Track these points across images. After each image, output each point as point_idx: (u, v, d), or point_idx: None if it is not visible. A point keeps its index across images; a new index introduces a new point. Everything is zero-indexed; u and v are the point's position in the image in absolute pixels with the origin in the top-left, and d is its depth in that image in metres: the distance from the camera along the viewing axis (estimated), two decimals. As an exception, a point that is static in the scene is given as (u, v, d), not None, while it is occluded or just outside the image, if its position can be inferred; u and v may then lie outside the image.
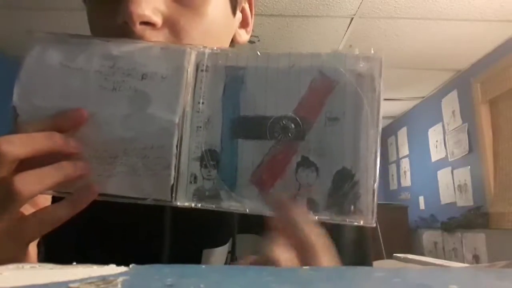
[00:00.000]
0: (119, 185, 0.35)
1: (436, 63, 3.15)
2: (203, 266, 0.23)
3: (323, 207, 0.33)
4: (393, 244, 3.45)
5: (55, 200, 0.36)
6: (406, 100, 4.04)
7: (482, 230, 2.92)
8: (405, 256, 2.71)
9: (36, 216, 0.33)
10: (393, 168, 4.83)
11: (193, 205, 0.36)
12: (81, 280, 0.18)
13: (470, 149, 3.18)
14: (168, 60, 0.36)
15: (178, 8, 0.41)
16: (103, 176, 0.35)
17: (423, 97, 3.95)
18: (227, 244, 0.44)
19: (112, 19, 0.39)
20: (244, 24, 0.52)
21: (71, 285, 0.17)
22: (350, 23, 2.55)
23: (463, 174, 3.28)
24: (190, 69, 0.36)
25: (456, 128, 3.38)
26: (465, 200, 3.24)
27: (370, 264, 0.51)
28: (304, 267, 0.22)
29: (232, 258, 0.43)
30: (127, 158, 0.35)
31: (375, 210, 0.32)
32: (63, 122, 0.34)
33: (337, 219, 0.33)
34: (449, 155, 3.50)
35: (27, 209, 0.33)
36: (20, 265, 0.22)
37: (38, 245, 0.42)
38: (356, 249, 0.48)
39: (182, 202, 0.36)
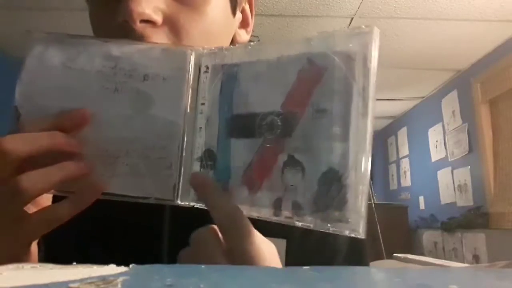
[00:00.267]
0: (121, 184, 0.35)
1: (436, 63, 3.15)
2: (203, 266, 0.23)
3: (308, 212, 0.30)
4: (393, 244, 3.44)
5: (55, 201, 0.36)
6: (406, 100, 4.04)
7: (482, 230, 2.91)
8: (405, 256, 2.71)
9: (38, 215, 0.33)
10: (393, 168, 4.83)
11: (193, 204, 0.36)
12: (81, 280, 0.18)
13: (470, 149, 3.18)
14: (169, 62, 0.37)
15: (178, 7, 0.41)
16: (105, 176, 0.35)
17: (423, 97, 3.95)
18: None
19: (113, 18, 0.39)
20: (244, 24, 0.52)
21: (71, 285, 0.17)
22: (350, 23, 2.55)
23: (463, 174, 3.28)
24: (191, 70, 0.37)
25: (456, 128, 3.38)
26: (465, 200, 3.24)
27: (367, 264, 0.51)
28: (304, 267, 0.22)
29: None
30: (129, 158, 0.35)
31: (365, 218, 0.28)
32: (66, 122, 0.35)
33: (322, 226, 0.29)
34: (449, 155, 3.50)
35: (30, 209, 0.33)
36: (20, 265, 0.22)
37: (38, 244, 0.42)
38: (351, 249, 0.48)
39: (184, 201, 0.36)
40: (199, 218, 0.34)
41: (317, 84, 0.31)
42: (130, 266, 0.21)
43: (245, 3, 0.52)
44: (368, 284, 0.21)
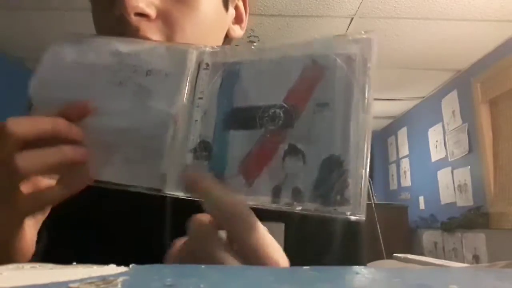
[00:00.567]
0: (114, 172, 0.36)
1: (436, 63, 3.15)
2: (203, 266, 0.23)
3: (308, 197, 0.31)
4: (393, 244, 3.45)
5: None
6: (406, 100, 4.04)
7: (482, 230, 2.92)
8: (405, 256, 2.71)
9: (30, 194, 0.34)
10: (393, 168, 4.83)
11: (181, 195, 0.36)
12: (81, 280, 0.18)
13: (470, 149, 3.18)
14: (172, 59, 0.39)
15: (171, 2, 0.44)
16: (99, 163, 0.36)
17: (423, 97, 3.95)
18: None
19: (111, 12, 0.42)
20: (238, 20, 0.55)
21: (71, 285, 0.17)
22: (350, 23, 2.55)
23: (463, 174, 3.28)
24: (192, 67, 0.38)
25: (456, 128, 3.38)
26: (465, 200, 3.24)
27: (364, 259, 0.51)
28: (304, 267, 0.22)
29: None
30: (125, 147, 0.37)
31: (365, 201, 0.29)
32: (70, 111, 0.36)
33: (322, 210, 0.30)
34: (449, 155, 3.50)
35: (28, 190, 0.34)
36: (20, 265, 0.22)
37: (37, 243, 0.42)
38: (348, 233, 0.48)
39: (171, 191, 0.36)
40: (199, 212, 0.33)
41: (319, 81, 0.33)
42: (130, 266, 0.21)
43: (238, 0, 0.55)
44: (368, 284, 0.21)
